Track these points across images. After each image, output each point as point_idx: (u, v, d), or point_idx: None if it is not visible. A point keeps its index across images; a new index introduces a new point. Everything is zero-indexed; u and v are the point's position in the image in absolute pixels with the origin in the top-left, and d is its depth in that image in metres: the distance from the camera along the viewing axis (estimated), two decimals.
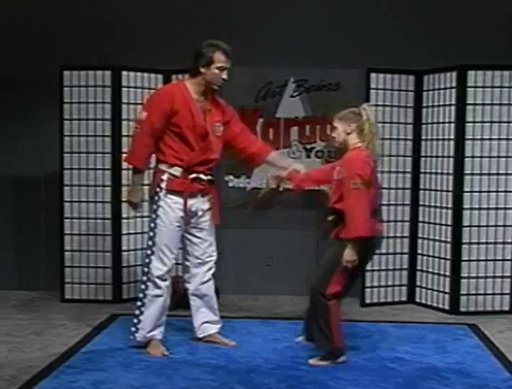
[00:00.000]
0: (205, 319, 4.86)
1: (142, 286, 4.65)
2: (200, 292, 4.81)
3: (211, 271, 4.83)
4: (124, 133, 5.98)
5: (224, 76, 4.58)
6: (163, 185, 4.56)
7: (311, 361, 4.50)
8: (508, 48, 6.05)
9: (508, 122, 5.74)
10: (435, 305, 5.94)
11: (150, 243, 4.61)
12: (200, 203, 4.66)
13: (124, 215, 6.03)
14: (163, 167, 4.58)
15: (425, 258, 6.02)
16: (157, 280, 4.60)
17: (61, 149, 6.00)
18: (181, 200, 4.55)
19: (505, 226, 5.80)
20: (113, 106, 5.96)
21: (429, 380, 4.23)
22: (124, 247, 6.06)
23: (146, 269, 4.64)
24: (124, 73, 5.99)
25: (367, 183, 4.35)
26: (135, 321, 4.66)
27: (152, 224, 4.60)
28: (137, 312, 4.66)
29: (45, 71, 6.10)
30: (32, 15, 6.37)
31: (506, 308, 5.85)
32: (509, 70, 5.72)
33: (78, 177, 6.01)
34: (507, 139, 5.75)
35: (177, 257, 4.76)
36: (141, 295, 4.65)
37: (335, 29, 6.23)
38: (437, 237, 5.93)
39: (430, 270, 5.99)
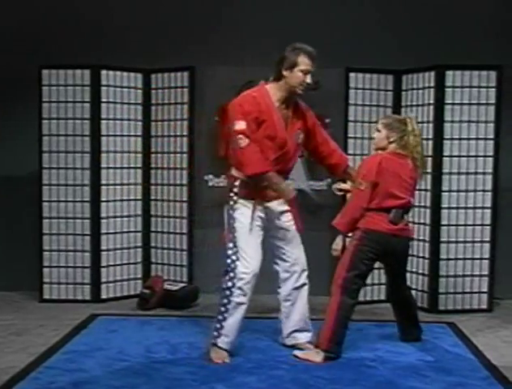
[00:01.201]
0: (295, 328, 4.74)
1: (227, 292, 4.46)
2: (292, 297, 4.70)
3: (305, 276, 4.71)
4: (103, 132, 5.96)
5: (308, 80, 4.44)
6: (236, 190, 4.47)
7: (295, 352, 4.62)
8: (485, 48, 6.08)
9: (485, 122, 5.78)
10: None
11: (234, 249, 4.46)
12: (277, 206, 4.56)
13: (103, 214, 6.01)
14: (235, 173, 4.48)
15: None
16: (244, 287, 4.45)
17: (40, 148, 5.97)
18: (254, 202, 4.47)
19: (482, 225, 5.84)
20: (93, 105, 5.94)
21: (409, 378, 4.25)
22: (103, 247, 6.04)
23: (232, 274, 4.45)
24: (103, 72, 5.97)
25: (367, 184, 4.53)
26: (218, 326, 4.50)
27: (233, 229, 4.48)
28: (220, 317, 4.49)
29: (24, 70, 6.05)
30: (10, 14, 6.33)
31: (484, 306, 5.89)
32: (486, 71, 5.76)
33: (57, 177, 5.98)
34: (485, 139, 5.79)
35: (259, 260, 4.55)
36: (225, 301, 4.46)
37: (315, 29, 6.20)
38: (415, 236, 5.91)
39: (409, 269, 5.95)
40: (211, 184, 6.25)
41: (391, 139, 4.63)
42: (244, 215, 4.46)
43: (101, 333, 5.06)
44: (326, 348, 4.54)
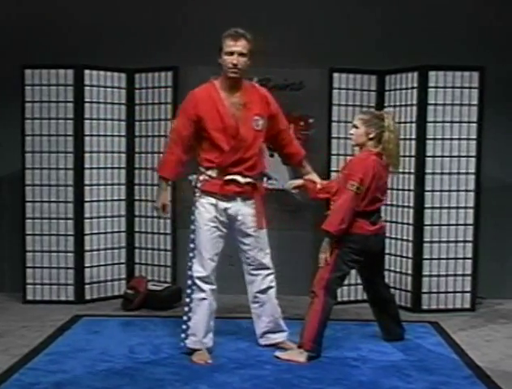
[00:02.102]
0: (266, 329, 4.76)
1: (188, 290, 4.53)
2: (259, 300, 4.71)
3: (269, 279, 4.69)
4: (86, 132, 5.95)
5: (234, 61, 4.39)
6: (199, 185, 4.50)
7: (277, 353, 4.61)
8: (468, 49, 6.11)
9: (468, 122, 5.81)
10: (397, 303, 5.90)
11: (191, 246, 4.53)
12: (240, 207, 4.53)
13: (86, 215, 5.99)
14: (200, 168, 4.53)
15: (387, 256, 5.99)
16: (200, 283, 4.48)
17: (23, 148, 5.94)
18: (215, 201, 4.48)
19: (465, 225, 5.87)
20: (76, 105, 5.92)
21: (392, 378, 4.27)
22: (87, 247, 6.02)
23: (189, 272, 4.53)
24: (86, 72, 5.95)
25: (363, 188, 4.53)
26: (184, 327, 4.54)
27: (192, 226, 4.52)
28: (185, 318, 4.54)
29: (7, 70, 6.05)
30: None
31: (467, 306, 5.91)
32: (469, 71, 5.79)
33: (40, 177, 5.96)
34: (467, 139, 5.82)
35: (217, 260, 4.58)
36: (187, 299, 4.54)
37: (299, 29, 6.25)
38: (398, 236, 5.98)
39: (392, 268, 6.03)
40: (194, 184, 6.23)
41: (370, 136, 4.62)
42: (201, 215, 4.48)
43: (84, 334, 5.05)
44: (310, 348, 4.55)
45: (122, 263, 6.26)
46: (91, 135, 5.98)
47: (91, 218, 6.03)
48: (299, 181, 4.92)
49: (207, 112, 4.43)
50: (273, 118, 4.64)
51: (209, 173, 4.48)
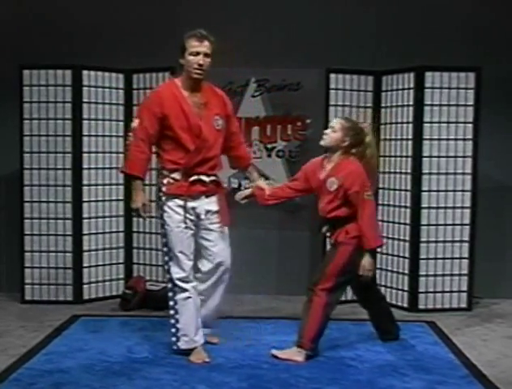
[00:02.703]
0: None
1: (170, 293, 4.55)
2: (206, 293, 4.71)
3: (225, 278, 4.70)
4: (85, 132, 5.96)
5: (201, 61, 4.41)
6: (164, 189, 4.50)
7: (273, 352, 4.61)
8: (464, 50, 6.13)
9: (464, 123, 5.83)
10: (394, 302, 5.98)
11: (166, 249, 4.53)
12: (205, 205, 4.56)
13: (85, 215, 6.01)
14: (163, 171, 4.53)
15: (384, 256, 6.08)
16: (181, 283, 4.50)
17: (21, 149, 5.96)
18: (182, 202, 4.48)
19: (462, 225, 5.89)
20: (74, 105, 5.94)
21: (389, 377, 4.28)
22: (85, 247, 6.04)
23: (168, 275, 4.55)
24: (84, 72, 5.96)
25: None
26: (173, 330, 4.55)
27: (163, 230, 4.53)
28: (172, 321, 4.55)
29: (5, 70, 6.07)
30: None
31: (464, 305, 5.94)
32: (465, 72, 5.81)
33: (39, 177, 5.98)
34: (464, 139, 5.84)
35: (192, 258, 4.61)
36: (171, 303, 4.55)
37: (296, 30, 6.27)
38: (395, 236, 6.00)
39: (389, 268, 6.06)
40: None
41: (344, 144, 4.61)
42: (172, 218, 4.48)
43: (82, 334, 5.07)
44: (309, 348, 4.57)
45: (120, 263, 6.27)
46: (90, 135, 5.99)
47: (90, 218, 6.05)
48: (247, 192, 4.95)
49: (172, 110, 4.43)
50: (228, 119, 4.69)
51: (173, 175, 4.49)
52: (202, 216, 4.56)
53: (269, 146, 6.32)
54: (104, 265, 6.17)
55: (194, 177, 4.48)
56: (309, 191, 4.83)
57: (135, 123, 4.46)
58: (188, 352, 4.55)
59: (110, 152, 6.14)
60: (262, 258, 6.32)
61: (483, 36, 6.21)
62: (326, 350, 4.73)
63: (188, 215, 4.50)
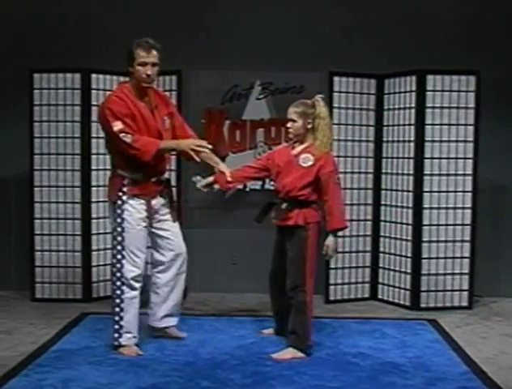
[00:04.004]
0: (168, 312, 4.90)
1: (118, 291, 4.63)
2: (171, 284, 4.84)
3: (185, 265, 4.87)
4: (93, 134, 6.02)
5: (149, 71, 4.48)
6: (125, 189, 4.59)
7: (274, 356, 4.61)
8: (465, 53, 6.19)
9: (465, 125, 5.89)
10: (396, 301, 6.08)
11: (119, 247, 4.62)
12: (161, 202, 4.74)
13: (93, 215, 6.10)
14: (123, 172, 4.60)
15: (387, 256, 6.16)
16: (132, 282, 4.62)
17: (32, 150, 6.03)
18: (144, 201, 4.62)
19: (463, 225, 5.95)
20: (83, 108, 6.00)
21: (390, 374, 4.34)
22: (94, 247, 6.11)
23: (118, 274, 4.63)
24: (93, 76, 6.03)
25: None
26: (116, 327, 4.65)
27: (119, 228, 4.60)
28: (116, 318, 4.64)
29: (15, 74, 6.14)
30: (1, 17, 6.40)
31: (465, 304, 6.00)
32: (466, 75, 5.87)
33: (48, 178, 6.05)
34: (464, 141, 5.90)
35: (146, 257, 4.80)
36: (118, 300, 4.63)
37: (300, 34, 6.33)
38: (398, 236, 6.06)
39: (392, 267, 6.13)
40: (198, 185, 6.32)
41: (308, 127, 4.66)
42: (132, 216, 4.60)
43: (91, 331, 5.13)
44: (311, 344, 4.66)
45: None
46: (98, 137, 6.02)
47: (98, 218, 6.13)
48: (209, 179, 4.92)
49: (132, 112, 4.52)
50: (172, 116, 4.79)
51: (134, 176, 4.59)
52: (160, 211, 4.74)
53: (273, 147, 6.37)
54: (113, 270, 6.20)
55: (155, 178, 4.66)
56: (270, 171, 4.84)
57: (119, 126, 4.44)
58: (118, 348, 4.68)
59: None
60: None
61: (483, 40, 6.27)
62: (329, 348, 4.80)
63: (148, 214, 4.65)
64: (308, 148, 4.68)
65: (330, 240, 4.64)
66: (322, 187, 4.62)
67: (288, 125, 4.73)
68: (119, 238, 4.61)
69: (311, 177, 4.61)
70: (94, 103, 6.02)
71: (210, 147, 4.60)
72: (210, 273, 6.47)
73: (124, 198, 4.60)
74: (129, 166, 4.58)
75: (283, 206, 4.71)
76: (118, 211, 4.61)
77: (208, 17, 6.35)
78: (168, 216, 4.80)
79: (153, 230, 4.77)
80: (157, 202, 4.72)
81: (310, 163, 4.62)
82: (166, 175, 4.86)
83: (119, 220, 4.60)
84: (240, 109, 6.41)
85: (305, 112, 4.65)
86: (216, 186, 4.91)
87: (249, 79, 6.37)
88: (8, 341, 4.94)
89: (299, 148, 4.72)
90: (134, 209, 4.60)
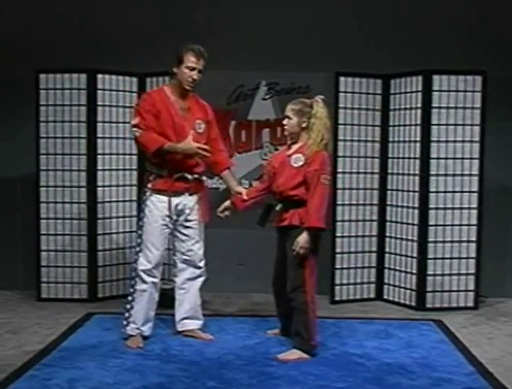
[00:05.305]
0: (185, 315, 5.00)
1: (132, 282, 4.85)
2: (186, 287, 4.97)
3: (199, 270, 4.98)
4: (99, 135, 6.05)
5: (195, 76, 4.73)
6: (149, 185, 4.78)
7: (280, 356, 4.60)
8: (471, 54, 6.18)
9: (471, 125, 5.88)
10: (402, 301, 6.07)
11: (138, 241, 4.84)
12: (187, 202, 4.82)
13: (99, 215, 6.11)
14: (150, 167, 4.81)
15: (393, 256, 6.16)
16: (143, 275, 4.78)
17: (38, 151, 6.05)
18: (166, 198, 4.74)
19: (469, 225, 5.95)
20: (89, 108, 6.02)
21: (396, 374, 4.34)
22: (99, 247, 6.12)
23: (134, 265, 4.84)
24: (99, 76, 6.05)
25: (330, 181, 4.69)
26: (126, 315, 4.85)
27: (140, 223, 4.84)
28: (128, 306, 4.84)
29: (21, 74, 6.13)
30: (8, 18, 6.42)
31: (470, 304, 5.99)
32: (472, 75, 5.86)
33: (54, 178, 6.06)
34: (471, 141, 5.90)
35: (164, 256, 4.93)
36: (131, 290, 4.85)
37: (306, 34, 6.33)
38: (403, 236, 6.06)
39: (397, 268, 6.13)
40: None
41: (303, 125, 4.68)
42: (152, 213, 4.76)
43: (96, 331, 5.14)
44: (316, 344, 4.66)
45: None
46: (104, 138, 6.09)
47: (104, 218, 6.15)
48: (226, 203, 5.01)
49: (161, 109, 4.73)
50: (209, 125, 4.93)
51: (159, 171, 4.76)
52: (185, 211, 4.82)
53: (279, 147, 6.37)
54: (117, 264, 6.26)
55: (178, 174, 4.74)
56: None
57: (136, 121, 4.72)
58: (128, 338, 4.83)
59: (124, 154, 6.23)
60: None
61: (490, 40, 6.27)
62: (335, 348, 4.80)
63: (169, 213, 4.76)
64: (301, 148, 4.69)
65: (302, 236, 4.55)
66: (308, 185, 4.61)
67: (284, 121, 4.78)
68: (139, 232, 4.84)
69: (302, 176, 4.62)
70: (100, 103, 6.06)
71: (208, 154, 4.77)
72: (216, 273, 6.43)
73: (148, 193, 4.79)
74: (156, 161, 4.74)
75: (278, 207, 4.77)
76: (142, 206, 4.84)
77: (214, 17, 6.35)
78: (193, 222, 4.88)
79: (175, 232, 4.89)
80: (181, 202, 4.79)
81: (301, 163, 4.63)
82: (199, 176, 4.90)
83: (141, 215, 4.83)
84: (246, 109, 6.42)
85: (302, 110, 4.69)
86: (232, 207, 5.01)
87: (255, 79, 6.38)
88: (14, 341, 4.95)
89: (294, 148, 4.75)
90: (154, 206, 4.76)
